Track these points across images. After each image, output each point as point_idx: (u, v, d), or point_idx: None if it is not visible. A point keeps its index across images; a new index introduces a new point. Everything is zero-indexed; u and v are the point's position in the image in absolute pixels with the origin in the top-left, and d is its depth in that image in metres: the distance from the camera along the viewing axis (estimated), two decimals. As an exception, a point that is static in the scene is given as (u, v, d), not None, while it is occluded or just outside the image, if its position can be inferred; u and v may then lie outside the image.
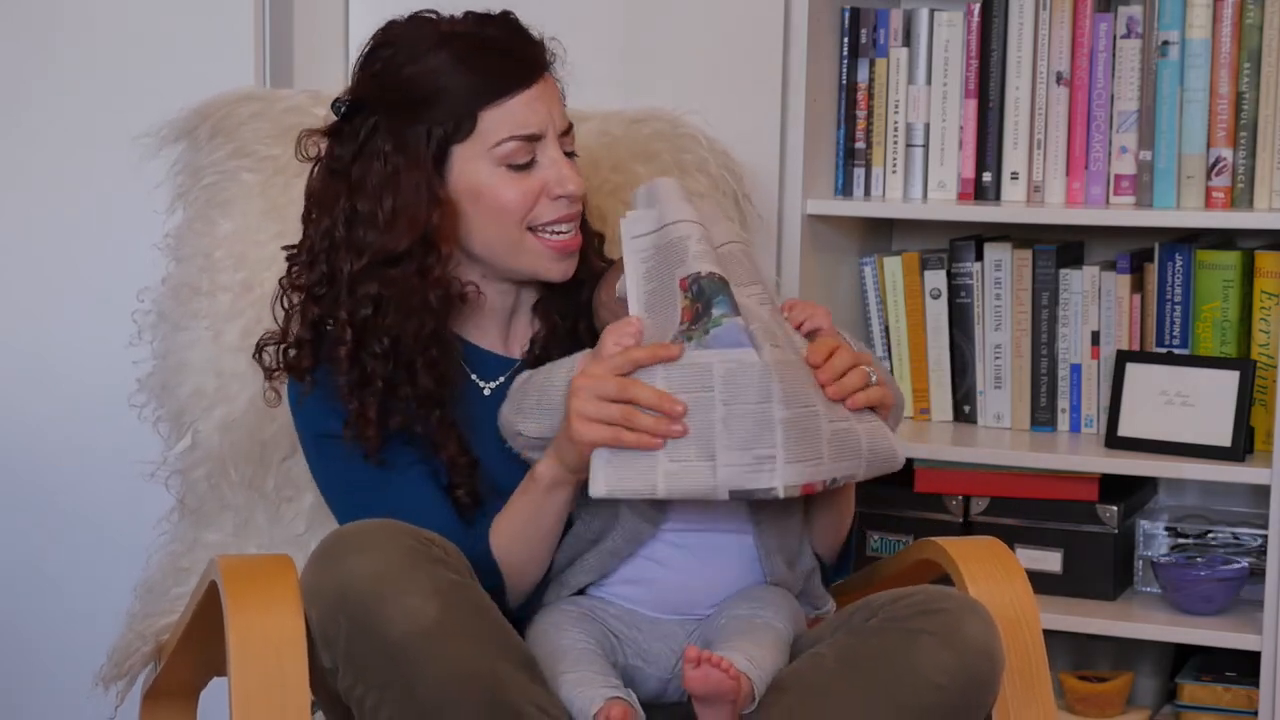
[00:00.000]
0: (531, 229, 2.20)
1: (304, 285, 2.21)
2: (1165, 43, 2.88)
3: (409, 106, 2.16)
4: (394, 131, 2.16)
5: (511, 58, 2.17)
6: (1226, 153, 2.87)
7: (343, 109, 2.21)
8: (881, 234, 3.24)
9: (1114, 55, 2.94)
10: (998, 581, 2.16)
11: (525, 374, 2.18)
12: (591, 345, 2.14)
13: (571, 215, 2.22)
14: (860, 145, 3.08)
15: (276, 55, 3.10)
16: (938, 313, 3.08)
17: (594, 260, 2.32)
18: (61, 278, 3.18)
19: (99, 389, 2.96)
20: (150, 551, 2.60)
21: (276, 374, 2.25)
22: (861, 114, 3.07)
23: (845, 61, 3.07)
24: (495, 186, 2.18)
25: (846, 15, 3.06)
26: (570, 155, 2.23)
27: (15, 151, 3.21)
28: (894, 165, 3.07)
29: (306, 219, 2.23)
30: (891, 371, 3.12)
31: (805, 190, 2.99)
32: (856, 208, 3.06)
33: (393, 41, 2.19)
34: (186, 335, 2.51)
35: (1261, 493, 2.85)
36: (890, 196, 3.07)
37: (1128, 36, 2.92)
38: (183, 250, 2.56)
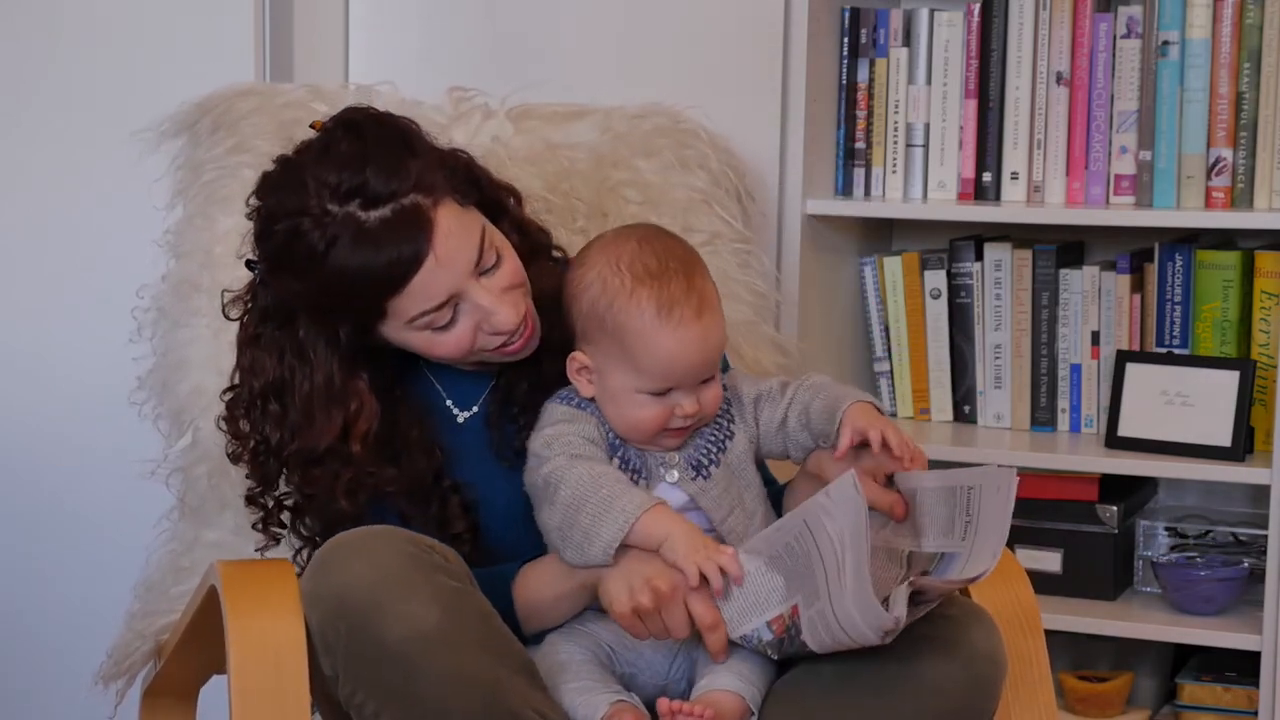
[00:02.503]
0: (482, 350, 2.15)
1: (246, 443, 2.18)
2: (1165, 43, 2.88)
3: (315, 309, 2.11)
4: (308, 324, 2.13)
5: (396, 242, 2.04)
6: (1226, 153, 2.87)
7: (257, 275, 2.16)
8: (881, 234, 3.24)
9: (1114, 55, 2.94)
10: (999, 585, 2.16)
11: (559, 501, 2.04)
12: (552, 356, 2.15)
13: (517, 328, 2.14)
14: (860, 145, 3.07)
15: (276, 50, 3.10)
16: (938, 313, 3.08)
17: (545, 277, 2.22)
18: (61, 274, 3.18)
19: (98, 386, 2.95)
20: (150, 550, 2.59)
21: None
22: (861, 114, 3.07)
23: (845, 61, 3.07)
24: (427, 345, 2.12)
25: (846, 15, 3.06)
26: (495, 265, 2.11)
27: (15, 147, 3.21)
28: (894, 165, 3.06)
29: (242, 370, 2.19)
30: (891, 372, 3.12)
31: (805, 190, 2.99)
32: (856, 208, 3.06)
33: (277, 216, 2.08)
34: (187, 332, 2.50)
35: (1261, 493, 2.85)
36: (890, 196, 3.07)
37: (1128, 36, 2.92)
38: (183, 246, 2.56)
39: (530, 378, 2.20)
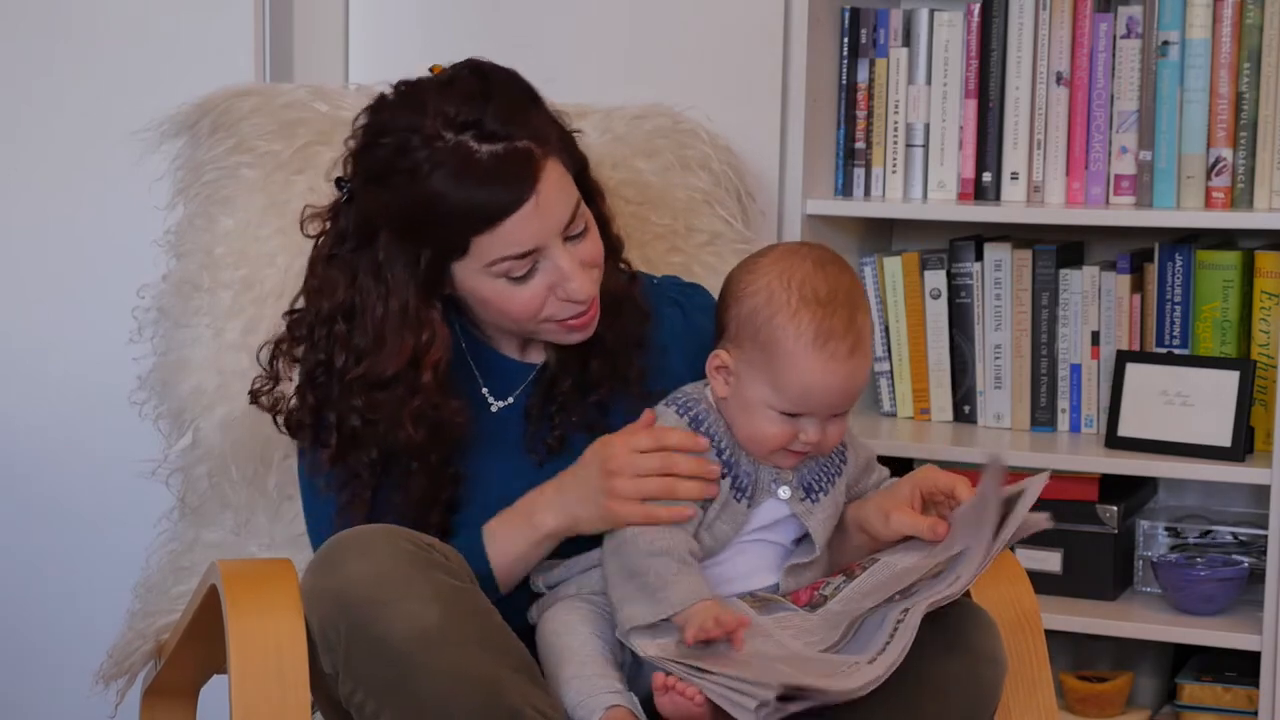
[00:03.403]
0: (546, 320, 2.14)
1: (302, 364, 2.17)
2: (1165, 43, 2.88)
3: (402, 228, 2.09)
4: (388, 245, 2.11)
5: (502, 180, 2.05)
6: (1226, 153, 2.87)
7: (346, 192, 2.15)
8: (881, 234, 3.24)
9: (1114, 55, 2.94)
10: (999, 584, 2.16)
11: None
12: (602, 358, 2.17)
13: (586, 304, 2.14)
14: (860, 145, 3.07)
15: (276, 50, 3.10)
16: (938, 313, 3.08)
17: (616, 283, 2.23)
18: (61, 274, 3.18)
19: (99, 386, 2.95)
20: (150, 550, 2.60)
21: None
22: (861, 114, 3.07)
23: (845, 61, 3.07)
24: (497, 297, 2.11)
25: (846, 15, 3.06)
26: (581, 235, 2.12)
27: (15, 147, 3.21)
28: (894, 165, 3.06)
29: (309, 292, 2.18)
30: (891, 372, 3.12)
31: (805, 190, 2.99)
32: (856, 208, 3.06)
33: (387, 131, 2.09)
34: (187, 332, 2.50)
35: (1261, 493, 2.85)
36: (890, 196, 3.07)
37: (1128, 36, 2.92)
38: (183, 247, 2.56)
39: (575, 375, 2.20)
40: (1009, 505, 2.05)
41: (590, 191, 2.20)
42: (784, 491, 2.12)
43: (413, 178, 2.05)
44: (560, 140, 2.13)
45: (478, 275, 2.10)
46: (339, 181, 2.16)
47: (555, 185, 2.08)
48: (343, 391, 2.13)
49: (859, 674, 1.91)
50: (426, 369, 2.12)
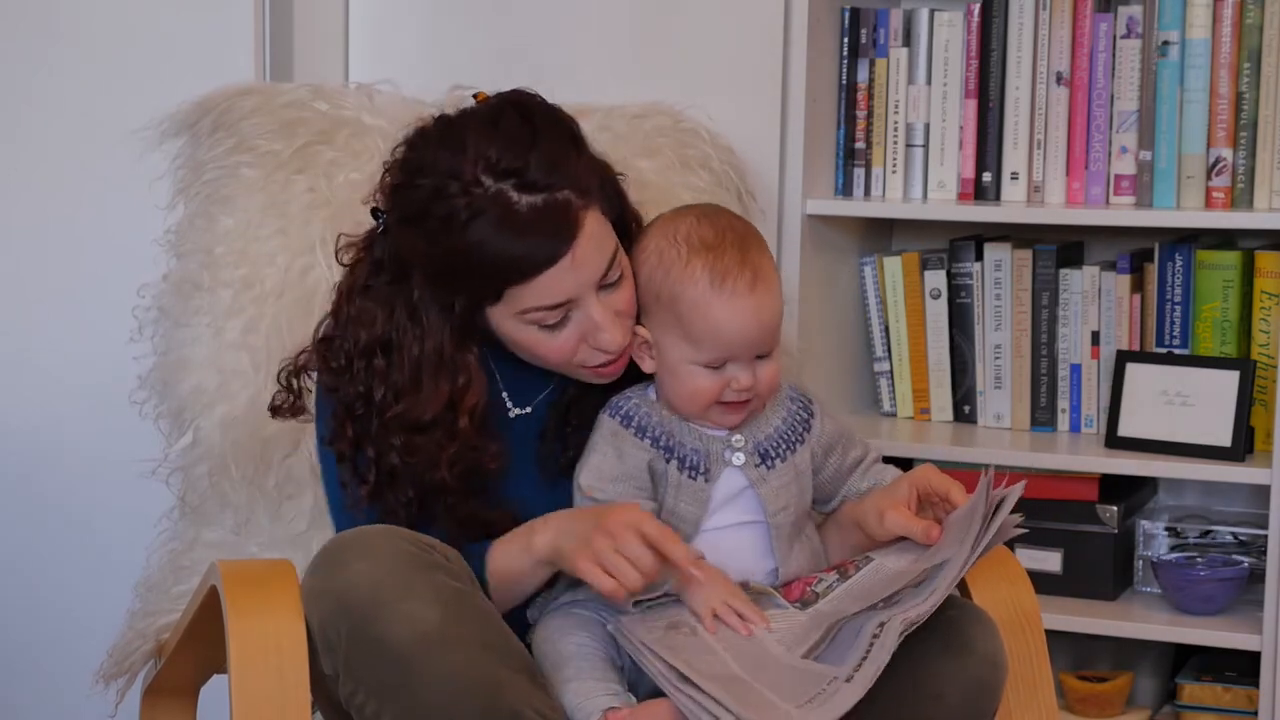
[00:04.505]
0: (578, 365, 2.13)
1: (340, 394, 2.13)
2: (1165, 43, 2.88)
3: (435, 273, 2.07)
4: (423, 287, 2.09)
5: (540, 233, 2.02)
6: (1226, 153, 2.87)
7: (381, 225, 2.12)
8: (881, 234, 3.24)
9: (1114, 55, 2.94)
10: (999, 585, 2.16)
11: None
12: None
13: (620, 351, 2.12)
14: (860, 145, 3.07)
15: (276, 49, 3.10)
16: (938, 313, 3.08)
17: None
18: (62, 274, 3.18)
19: (99, 385, 2.95)
20: (150, 550, 2.60)
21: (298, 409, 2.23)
22: (861, 114, 3.07)
23: (845, 61, 3.07)
24: (529, 341, 2.10)
25: (846, 15, 3.06)
26: (616, 284, 2.09)
27: (16, 147, 3.21)
28: (894, 165, 3.06)
29: (346, 320, 2.14)
30: (891, 372, 3.12)
31: (805, 190, 2.99)
32: (856, 208, 3.06)
33: (424, 172, 2.05)
34: (188, 332, 2.50)
35: (1261, 493, 2.85)
36: (890, 196, 3.07)
37: (1128, 36, 2.92)
38: (184, 246, 2.56)
39: (599, 401, 2.18)
40: (992, 512, 2.05)
41: (627, 230, 2.17)
42: (738, 458, 2.12)
43: (448, 225, 2.02)
44: (600, 187, 2.11)
45: (510, 320, 2.09)
46: (375, 212, 2.14)
47: (593, 238, 2.06)
48: (381, 428, 2.11)
49: (827, 707, 1.91)
50: (463, 414, 2.10)
